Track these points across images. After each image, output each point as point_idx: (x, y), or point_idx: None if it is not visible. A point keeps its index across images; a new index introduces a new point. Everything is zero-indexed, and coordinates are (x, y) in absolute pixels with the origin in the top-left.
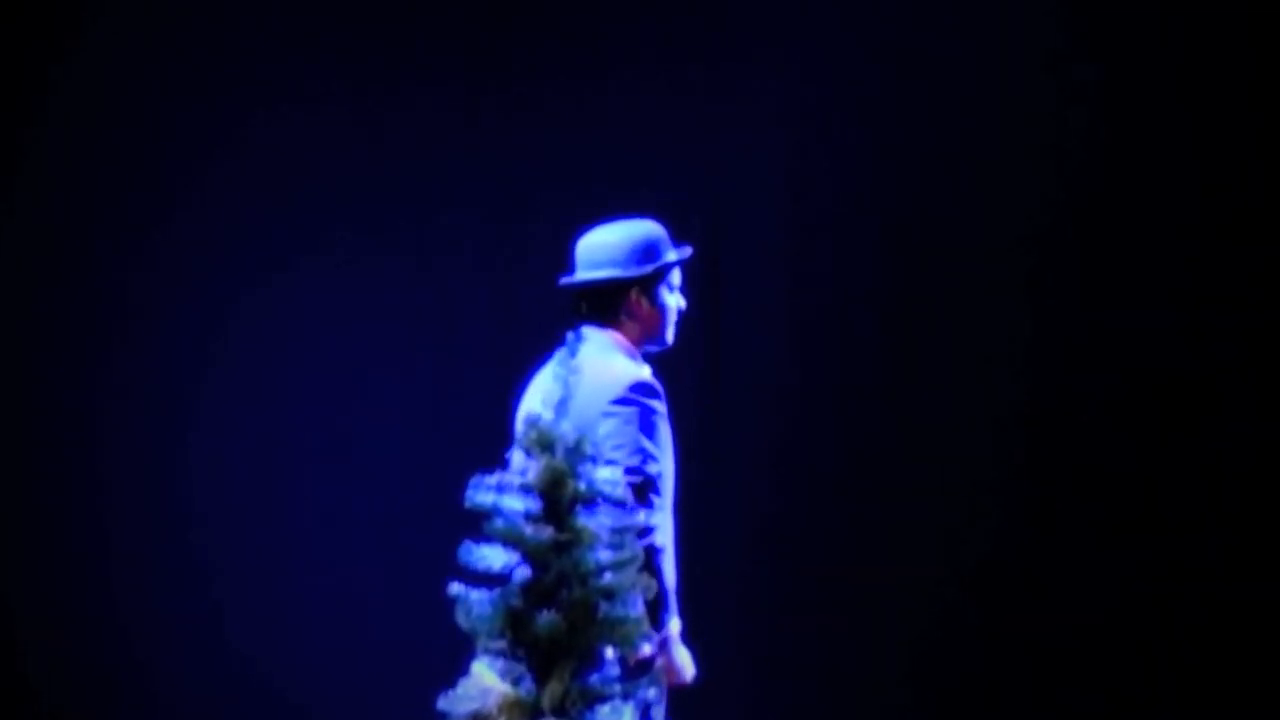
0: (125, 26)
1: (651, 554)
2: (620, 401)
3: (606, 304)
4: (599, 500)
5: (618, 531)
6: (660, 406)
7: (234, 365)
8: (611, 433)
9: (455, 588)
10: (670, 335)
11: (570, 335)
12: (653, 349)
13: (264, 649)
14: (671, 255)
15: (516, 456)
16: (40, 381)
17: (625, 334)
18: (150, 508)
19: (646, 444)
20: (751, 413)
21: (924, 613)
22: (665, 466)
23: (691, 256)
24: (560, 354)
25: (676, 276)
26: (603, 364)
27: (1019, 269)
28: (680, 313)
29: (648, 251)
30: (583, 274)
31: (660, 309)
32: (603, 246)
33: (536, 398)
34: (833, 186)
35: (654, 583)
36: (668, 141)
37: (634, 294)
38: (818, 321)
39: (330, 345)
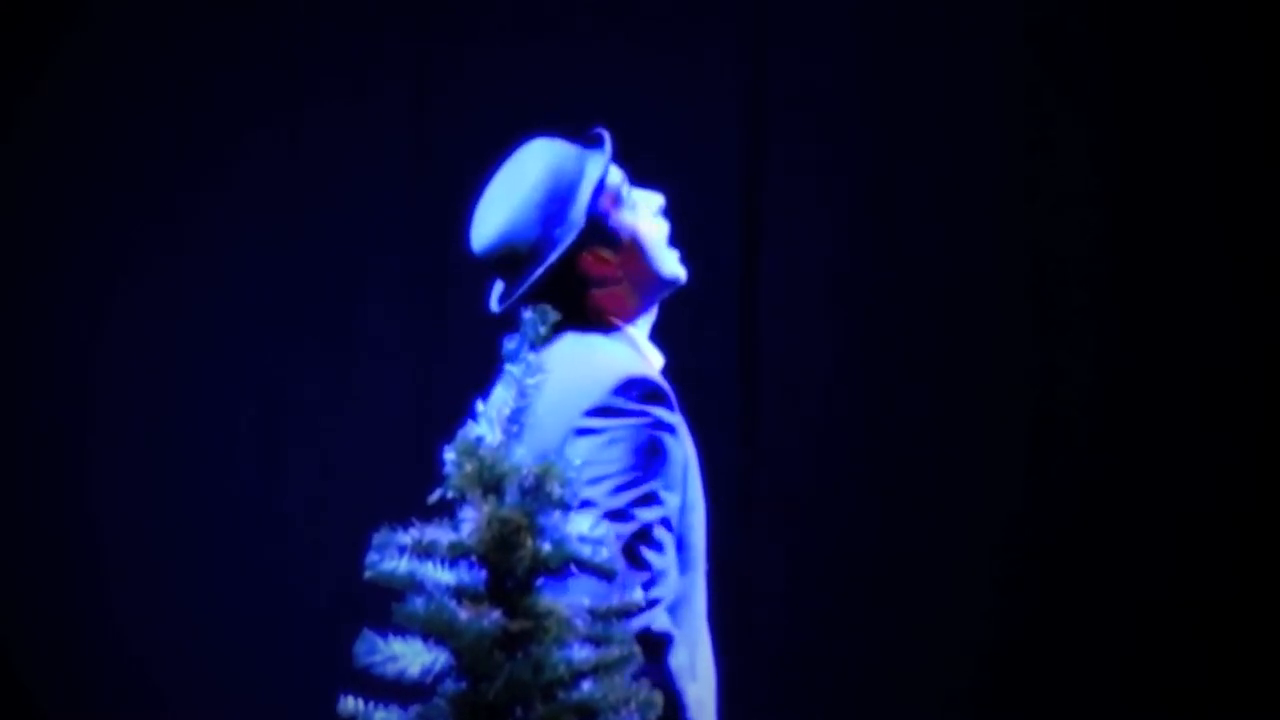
0: None
1: (649, 648)
2: (599, 411)
3: (563, 293)
4: (573, 568)
5: (602, 617)
6: (668, 416)
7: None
8: (587, 460)
9: (349, 704)
10: (670, 264)
11: (529, 315)
12: (664, 293)
13: None
14: (594, 169)
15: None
16: None
17: (610, 310)
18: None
19: (641, 474)
20: (794, 407)
21: (971, 611)
22: (694, 510)
23: (616, 147)
24: (514, 343)
25: (615, 177)
26: (581, 357)
27: (1082, 253)
28: (664, 211)
29: (559, 195)
30: (511, 284)
31: (633, 243)
32: (508, 228)
33: (482, 412)
34: (884, 165)
35: (658, 697)
36: (700, 114)
37: (586, 258)
38: (868, 311)
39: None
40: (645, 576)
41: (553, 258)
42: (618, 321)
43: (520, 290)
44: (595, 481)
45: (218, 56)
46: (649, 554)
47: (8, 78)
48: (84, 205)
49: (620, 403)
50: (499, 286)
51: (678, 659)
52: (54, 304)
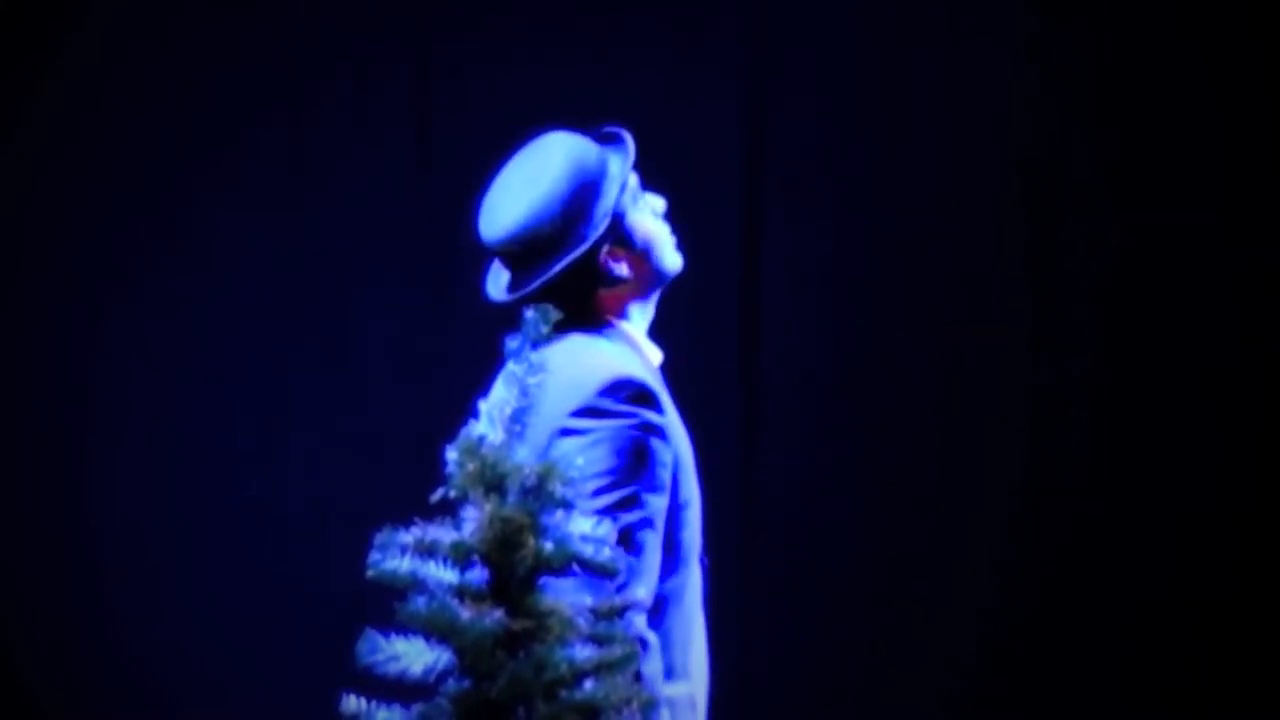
0: None
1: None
2: (585, 412)
3: (576, 289)
4: (574, 568)
5: (604, 616)
6: (656, 418)
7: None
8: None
9: (352, 704)
10: (675, 257)
11: (530, 314)
12: (664, 282)
13: None
14: (618, 167)
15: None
16: None
17: (612, 308)
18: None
19: (623, 477)
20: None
21: (971, 611)
22: (687, 509)
23: (636, 145)
24: (516, 342)
25: (632, 177)
26: (573, 357)
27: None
28: (665, 214)
29: (584, 188)
30: (528, 272)
31: (646, 244)
32: (532, 217)
33: (483, 411)
34: (885, 165)
35: (652, 698)
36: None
37: (604, 256)
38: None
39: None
40: (621, 579)
41: (580, 251)
42: (615, 320)
43: (539, 281)
44: (577, 483)
45: (218, 56)
46: (628, 555)
47: (8, 78)
48: (84, 205)
49: (606, 404)
50: (502, 276)
51: (652, 665)
52: (54, 304)
